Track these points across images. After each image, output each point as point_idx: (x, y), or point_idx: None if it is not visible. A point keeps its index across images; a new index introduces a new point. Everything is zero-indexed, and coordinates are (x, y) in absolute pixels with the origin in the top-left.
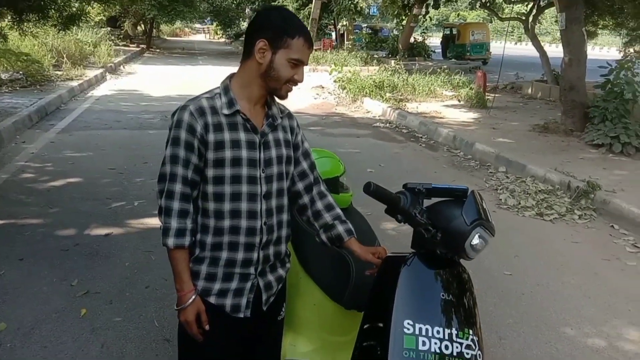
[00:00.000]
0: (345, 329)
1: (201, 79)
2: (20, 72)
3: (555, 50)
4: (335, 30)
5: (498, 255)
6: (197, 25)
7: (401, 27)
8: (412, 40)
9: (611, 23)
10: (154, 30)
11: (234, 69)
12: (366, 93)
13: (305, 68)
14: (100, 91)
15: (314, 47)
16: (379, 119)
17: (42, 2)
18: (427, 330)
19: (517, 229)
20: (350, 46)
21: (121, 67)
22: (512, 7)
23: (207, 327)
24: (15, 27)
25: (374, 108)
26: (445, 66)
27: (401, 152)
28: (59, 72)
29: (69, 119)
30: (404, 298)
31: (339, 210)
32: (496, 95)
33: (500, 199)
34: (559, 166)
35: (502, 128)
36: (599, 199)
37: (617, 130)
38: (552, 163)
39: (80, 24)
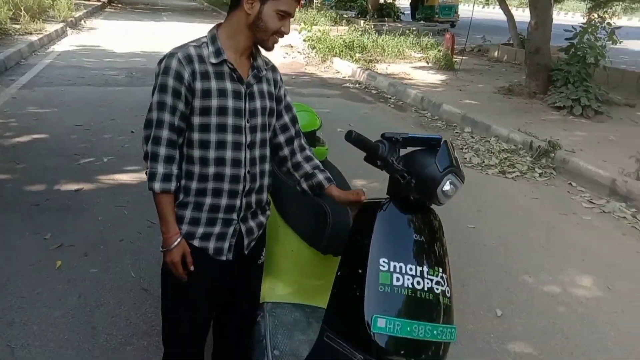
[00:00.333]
0: (321, 273)
1: (165, 35)
2: None
3: (522, 15)
4: None
5: (462, 210)
6: None
7: None
8: (381, 0)
9: None
10: None
11: (200, 25)
12: (336, 53)
13: None
14: (61, 46)
15: None
16: (348, 80)
17: None
18: (400, 267)
19: (481, 185)
20: (319, 5)
21: (82, 22)
22: None
23: (192, 268)
24: None
25: (344, 68)
26: (414, 28)
27: (370, 112)
28: (17, 26)
29: (30, 74)
30: (380, 239)
31: (317, 161)
32: (463, 57)
33: (466, 158)
34: (522, 127)
35: (468, 90)
36: (558, 158)
37: (578, 93)
38: (515, 124)
39: None
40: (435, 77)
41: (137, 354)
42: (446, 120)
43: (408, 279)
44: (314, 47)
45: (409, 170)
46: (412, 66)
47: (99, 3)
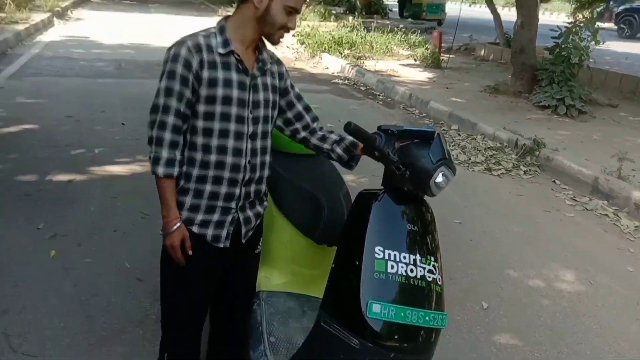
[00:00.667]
0: (315, 263)
1: (154, 27)
2: None
3: (508, 14)
4: None
5: (449, 205)
6: None
7: None
8: None
9: None
10: None
11: (189, 19)
12: (325, 49)
13: None
14: (48, 37)
15: None
16: (337, 76)
17: None
18: (395, 255)
19: (467, 182)
20: (308, 0)
21: (69, 12)
22: None
23: (190, 253)
24: None
25: (333, 64)
26: (402, 25)
27: (359, 108)
28: (3, 15)
29: (18, 64)
30: (375, 228)
31: (339, 132)
32: (450, 56)
33: (452, 155)
34: (508, 125)
35: (455, 88)
36: (543, 156)
37: (562, 93)
38: (501, 122)
39: None
40: (422, 75)
41: (133, 341)
42: (434, 118)
43: (402, 267)
44: (303, 43)
45: (404, 161)
46: (400, 63)
47: None
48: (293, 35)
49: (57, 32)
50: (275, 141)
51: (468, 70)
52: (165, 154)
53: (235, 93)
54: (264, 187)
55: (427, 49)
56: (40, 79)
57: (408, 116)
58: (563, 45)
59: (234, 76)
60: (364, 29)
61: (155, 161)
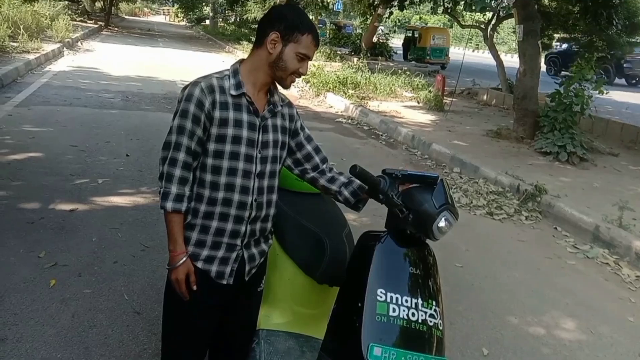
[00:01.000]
0: (316, 302)
1: (162, 61)
2: None
3: (510, 60)
4: None
5: (451, 249)
6: (154, 6)
7: (366, 26)
8: (375, 39)
9: (565, 36)
10: (113, 7)
11: (196, 53)
12: (329, 88)
13: None
14: (58, 66)
15: None
16: (341, 115)
17: None
18: (397, 298)
19: (469, 226)
20: None
21: (79, 43)
22: (473, 15)
23: (194, 287)
24: None
25: (337, 103)
26: (405, 68)
27: (362, 147)
28: (15, 44)
29: (27, 92)
30: (378, 270)
31: (347, 174)
32: (453, 99)
33: (454, 198)
34: (510, 170)
35: (458, 131)
36: (544, 203)
37: (564, 140)
38: (503, 167)
39: None
40: (425, 117)
41: None
42: (436, 160)
43: (404, 310)
44: (308, 82)
45: (407, 205)
46: (403, 105)
47: (96, 25)
48: None
49: (67, 63)
50: (281, 179)
51: (470, 115)
52: (174, 189)
53: (245, 133)
54: (269, 225)
55: (430, 91)
56: (47, 108)
57: (410, 157)
58: (565, 94)
59: (245, 117)
60: (368, 70)
61: (164, 196)
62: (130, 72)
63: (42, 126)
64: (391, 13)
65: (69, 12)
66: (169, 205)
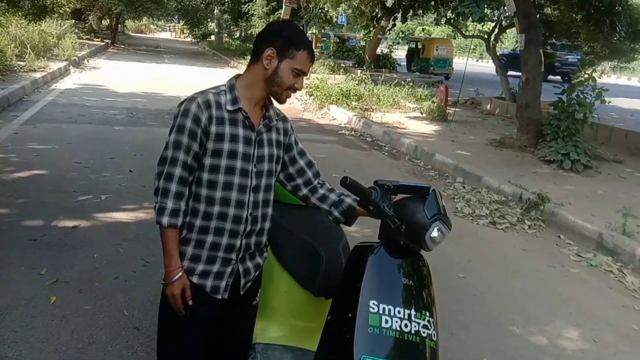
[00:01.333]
0: (312, 315)
1: (167, 77)
2: None
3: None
4: None
5: (453, 259)
6: (160, 23)
7: (369, 38)
8: (378, 51)
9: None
10: (119, 25)
11: (201, 69)
12: (333, 100)
13: None
14: (64, 84)
15: None
16: (344, 127)
17: None
18: (389, 310)
19: (472, 235)
20: (317, 54)
21: (85, 61)
22: (476, 26)
23: (190, 302)
24: None
25: (340, 116)
26: (409, 79)
27: (365, 159)
28: (22, 63)
29: (33, 110)
30: (370, 281)
31: (339, 191)
32: (457, 109)
33: (457, 207)
34: (513, 179)
35: (461, 141)
36: (547, 211)
37: (567, 148)
38: (506, 176)
39: (53, 16)
40: (428, 128)
41: None
42: (439, 170)
43: (396, 322)
44: (312, 94)
45: (400, 216)
46: (406, 116)
47: (103, 43)
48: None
49: (73, 80)
50: (276, 192)
51: (474, 124)
52: (170, 204)
53: (241, 147)
54: (264, 238)
55: (433, 102)
56: (52, 126)
57: (413, 168)
58: (568, 102)
59: (241, 132)
60: (371, 82)
61: (160, 211)
62: (135, 89)
63: (47, 144)
64: (394, 25)
65: (76, 31)
66: (165, 220)
